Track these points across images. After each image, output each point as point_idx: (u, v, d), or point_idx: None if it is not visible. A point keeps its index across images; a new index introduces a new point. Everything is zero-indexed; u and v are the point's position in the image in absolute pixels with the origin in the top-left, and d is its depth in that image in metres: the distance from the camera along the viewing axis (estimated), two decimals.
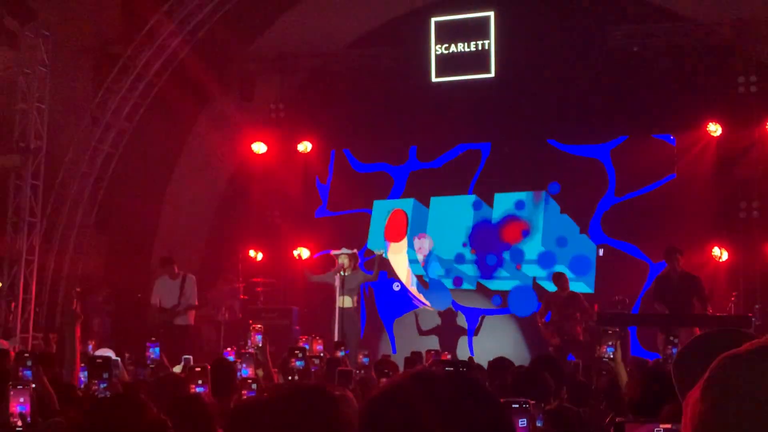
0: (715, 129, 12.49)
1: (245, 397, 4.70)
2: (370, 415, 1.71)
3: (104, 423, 2.43)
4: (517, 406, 3.05)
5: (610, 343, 5.01)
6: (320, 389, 2.91)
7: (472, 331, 13.76)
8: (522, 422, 3.00)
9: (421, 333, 13.84)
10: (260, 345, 9.63)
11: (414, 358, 8.37)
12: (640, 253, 12.98)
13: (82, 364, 5.78)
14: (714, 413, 1.30)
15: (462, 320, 13.92)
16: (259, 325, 10.17)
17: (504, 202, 14.01)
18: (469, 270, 14.14)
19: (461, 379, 1.73)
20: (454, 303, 13.98)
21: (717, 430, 1.28)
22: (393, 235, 14.62)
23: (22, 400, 3.92)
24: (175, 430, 2.82)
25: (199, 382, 4.81)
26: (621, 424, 2.77)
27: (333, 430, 2.68)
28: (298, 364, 6.37)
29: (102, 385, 4.75)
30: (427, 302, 14.26)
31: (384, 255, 13.43)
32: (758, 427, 1.25)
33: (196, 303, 11.80)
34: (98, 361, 5.10)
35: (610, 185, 13.40)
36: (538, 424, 3.81)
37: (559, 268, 12.88)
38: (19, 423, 3.89)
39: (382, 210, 14.74)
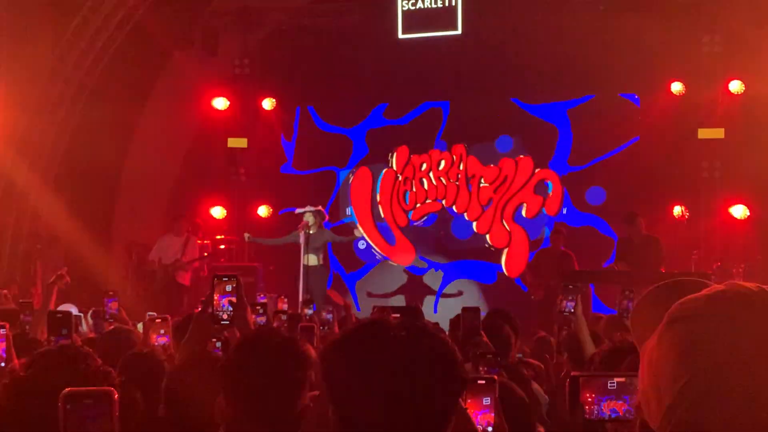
0: (678, 89, 12.52)
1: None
2: (323, 367, 1.73)
3: (43, 373, 2.40)
4: (483, 382, 2.77)
5: (570, 298, 5.04)
6: (290, 341, 2.89)
7: (440, 292, 13.85)
8: (486, 400, 2.74)
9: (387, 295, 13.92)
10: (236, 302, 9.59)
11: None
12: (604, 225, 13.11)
13: None
14: (672, 356, 1.29)
15: (431, 280, 14.02)
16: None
17: None
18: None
19: (409, 326, 1.74)
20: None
21: (675, 371, 1.28)
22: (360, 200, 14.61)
23: None
24: (126, 384, 2.80)
25: (161, 332, 4.79)
26: (576, 378, 2.71)
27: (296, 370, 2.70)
28: (259, 320, 6.34)
29: (60, 340, 4.70)
30: (394, 259, 14.29)
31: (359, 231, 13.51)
32: (715, 366, 1.25)
33: (185, 260, 12.04)
34: (58, 316, 5.05)
35: (566, 148, 13.47)
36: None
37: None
38: None
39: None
